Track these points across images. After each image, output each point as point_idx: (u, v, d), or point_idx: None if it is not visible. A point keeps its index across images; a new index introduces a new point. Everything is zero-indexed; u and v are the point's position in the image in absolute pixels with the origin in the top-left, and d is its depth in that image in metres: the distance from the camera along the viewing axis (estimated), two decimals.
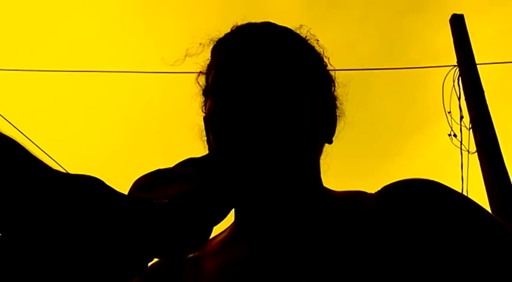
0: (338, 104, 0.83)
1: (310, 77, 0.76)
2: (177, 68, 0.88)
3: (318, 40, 0.83)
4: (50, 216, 0.51)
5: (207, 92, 0.81)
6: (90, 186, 0.54)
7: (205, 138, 0.83)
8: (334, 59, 0.84)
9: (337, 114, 0.83)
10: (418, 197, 0.72)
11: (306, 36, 0.82)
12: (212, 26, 0.83)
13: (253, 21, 0.82)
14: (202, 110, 0.84)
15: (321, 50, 0.83)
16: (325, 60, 0.83)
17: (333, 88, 0.83)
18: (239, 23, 0.82)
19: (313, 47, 0.82)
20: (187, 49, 0.85)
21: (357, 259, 0.67)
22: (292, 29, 0.81)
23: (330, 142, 0.80)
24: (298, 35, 0.81)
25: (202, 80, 0.84)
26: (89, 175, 0.55)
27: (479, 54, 6.00)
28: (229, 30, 0.82)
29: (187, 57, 0.85)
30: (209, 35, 0.83)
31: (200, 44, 0.83)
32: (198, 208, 0.60)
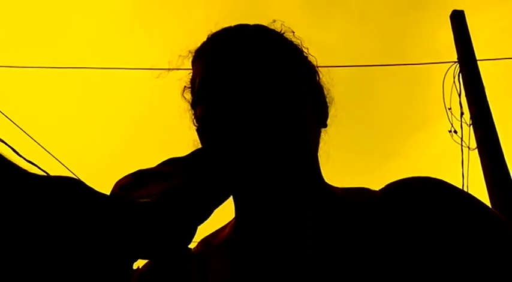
0: (326, 91, 0.84)
1: (292, 68, 0.77)
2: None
3: (293, 32, 0.83)
4: (27, 216, 0.50)
5: (195, 103, 0.81)
6: (69, 187, 0.54)
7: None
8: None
9: (327, 100, 0.83)
10: (421, 195, 0.72)
11: (281, 30, 0.82)
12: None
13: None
14: (193, 124, 0.84)
15: (299, 41, 0.83)
16: (305, 50, 0.83)
17: (317, 76, 0.84)
18: (217, 29, 0.82)
19: (290, 40, 0.82)
20: (189, 51, 0.85)
21: (359, 257, 0.68)
22: (266, 25, 0.82)
23: (325, 126, 0.81)
24: (273, 30, 0.82)
25: (188, 95, 0.84)
26: (68, 176, 0.55)
27: (480, 51, 6.02)
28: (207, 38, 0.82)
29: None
30: (188, 48, 0.83)
31: (190, 52, 0.83)
32: (177, 206, 0.60)
